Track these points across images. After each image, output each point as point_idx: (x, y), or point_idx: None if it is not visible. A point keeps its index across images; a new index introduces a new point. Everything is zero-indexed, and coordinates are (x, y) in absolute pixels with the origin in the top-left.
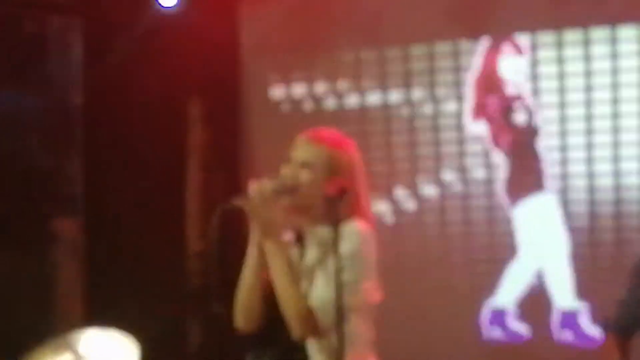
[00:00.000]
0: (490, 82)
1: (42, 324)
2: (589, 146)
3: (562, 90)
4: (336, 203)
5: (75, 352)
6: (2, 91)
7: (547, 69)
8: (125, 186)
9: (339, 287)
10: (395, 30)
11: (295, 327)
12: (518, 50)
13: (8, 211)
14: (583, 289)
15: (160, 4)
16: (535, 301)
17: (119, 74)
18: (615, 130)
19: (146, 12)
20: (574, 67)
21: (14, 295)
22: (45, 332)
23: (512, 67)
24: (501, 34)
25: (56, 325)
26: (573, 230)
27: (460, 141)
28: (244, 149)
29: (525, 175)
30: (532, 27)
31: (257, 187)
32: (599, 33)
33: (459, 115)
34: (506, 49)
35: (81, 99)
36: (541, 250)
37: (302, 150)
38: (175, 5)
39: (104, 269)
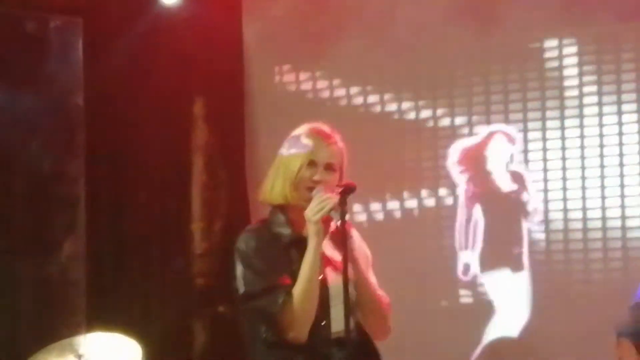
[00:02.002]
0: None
1: (45, 327)
2: None
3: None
4: (346, 200)
5: (79, 355)
6: (3, 91)
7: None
8: (128, 186)
9: (346, 284)
10: (404, 24)
11: (384, 326)
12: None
13: (8, 212)
14: None
15: (162, 1)
16: None
17: (120, 73)
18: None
19: (148, 10)
20: None
21: (17, 298)
22: (49, 335)
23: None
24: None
25: (59, 328)
26: None
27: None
28: (248, 147)
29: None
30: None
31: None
32: None
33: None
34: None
35: (82, 99)
36: None
37: (326, 152)
38: (177, 3)
39: (107, 271)
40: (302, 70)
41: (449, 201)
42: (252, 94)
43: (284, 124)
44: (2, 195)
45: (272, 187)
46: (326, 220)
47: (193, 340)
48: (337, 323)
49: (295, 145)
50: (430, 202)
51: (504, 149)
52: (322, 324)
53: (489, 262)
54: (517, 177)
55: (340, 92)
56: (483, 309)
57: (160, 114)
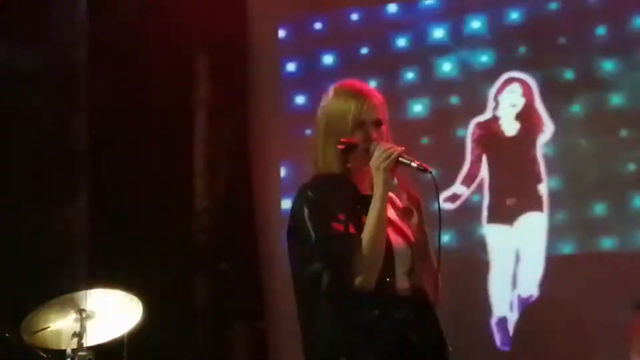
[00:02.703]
0: None
1: (48, 283)
2: None
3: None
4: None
5: (80, 311)
6: (6, 48)
7: None
8: (130, 142)
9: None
10: None
11: (438, 285)
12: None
13: (11, 168)
14: None
15: None
16: None
17: (124, 28)
18: None
19: None
20: None
21: (19, 254)
22: (51, 290)
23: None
24: None
25: (62, 284)
26: None
27: None
28: (251, 103)
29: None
30: None
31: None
32: None
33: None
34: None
35: (85, 54)
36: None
37: (372, 109)
38: None
39: (108, 227)
40: (304, 27)
41: None
42: (255, 50)
43: (285, 79)
44: (5, 151)
45: (324, 157)
46: (390, 171)
47: (194, 296)
48: (402, 282)
49: (338, 108)
50: None
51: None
52: (387, 280)
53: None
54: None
55: (342, 50)
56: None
57: (163, 69)
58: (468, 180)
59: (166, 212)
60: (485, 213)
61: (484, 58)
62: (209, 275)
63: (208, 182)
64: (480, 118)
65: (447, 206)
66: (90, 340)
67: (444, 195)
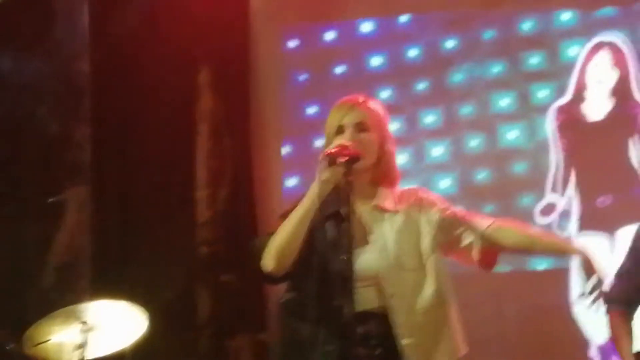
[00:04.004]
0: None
1: (51, 294)
2: None
3: None
4: (351, 170)
5: (83, 322)
6: (10, 57)
7: None
8: (133, 153)
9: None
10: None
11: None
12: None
13: (15, 177)
14: None
15: None
16: None
17: (126, 39)
18: None
19: None
20: None
21: (23, 264)
22: (54, 302)
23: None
24: None
25: (65, 296)
26: None
27: None
28: (253, 115)
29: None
30: None
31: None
32: None
33: None
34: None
35: (88, 64)
36: None
37: (352, 113)
38: None
39: (112, 238)
40: (307, 39)
41: None
42: (258, 61)
43: (288, 92)
44: (9, 160)
45: None
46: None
47: (197, 307)
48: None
49: (326, 125)
50: None
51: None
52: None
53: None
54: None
55: (346, 60)
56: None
57: (165, 81)
58: (559, 185)
59: (169, 223)
60: (574, 220)
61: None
62: (212, 287)
63: (211, 194)
64: (561, 101)
65: (542, 221)
66: (93, 352)
67: (538, 208)
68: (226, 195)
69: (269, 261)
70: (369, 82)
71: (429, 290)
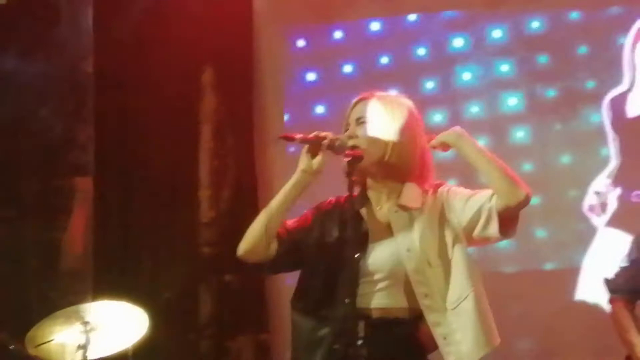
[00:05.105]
0: None
1: (53, 295)
2: None
3: None
4: (353, 170)
5: (85, 322)
6: (14, 58)
7: None
8: (136, 153)
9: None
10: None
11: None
12: None
13: (18, 178)
14: None
15: None
16: None
17: (130, 40)
18: None
19: None
20: None
21: (24, 265)
22: (56, 302)
23: None
24: None
25: (67, 296)
26: None
27: None
28: (256, 116)
29: None
30: None
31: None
32: None
33: None
34: None
35: (92, 65)
36: None
37: (356, 109)
38: None
39: (114, 239)
40: (311, 39)
41: None
42: (261, 61)
43: (292, 92)
44: (12, 162)
45: None
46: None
47: (199, 308)
48: (363, 299)
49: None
50: None
51: None
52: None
53: None
54: None
55: (349, 61)
56: None
57: (169, 81)
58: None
59: (172, 223)
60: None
61: None
62: (214, 287)
63: (214, 194)
64: (615, 92)
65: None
66: (95, 352)
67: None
68: (229, 195)
69: (240, 246)
70: (377, 81)
71: (458, 281)
